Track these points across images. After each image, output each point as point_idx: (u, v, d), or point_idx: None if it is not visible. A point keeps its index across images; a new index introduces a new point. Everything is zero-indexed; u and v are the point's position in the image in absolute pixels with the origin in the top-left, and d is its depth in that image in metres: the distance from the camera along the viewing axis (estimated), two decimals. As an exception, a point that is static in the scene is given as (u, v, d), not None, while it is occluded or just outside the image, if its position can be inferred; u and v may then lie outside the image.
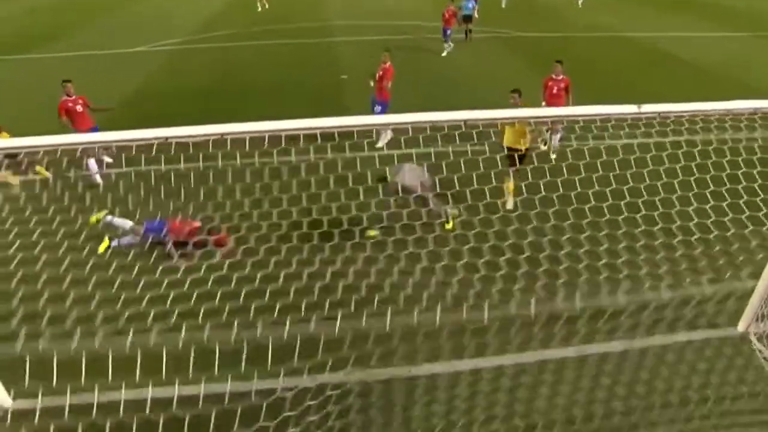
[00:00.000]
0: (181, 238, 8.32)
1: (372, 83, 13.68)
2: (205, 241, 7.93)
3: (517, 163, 9.08)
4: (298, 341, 4.84)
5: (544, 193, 5.68)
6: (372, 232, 8.25)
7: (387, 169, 8.91)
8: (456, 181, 5.27)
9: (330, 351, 5.10)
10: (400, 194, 8.52)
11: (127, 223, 9.07)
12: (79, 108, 11.62)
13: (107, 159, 11.80)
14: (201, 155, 4.49)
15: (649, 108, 4.51)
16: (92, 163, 11.33)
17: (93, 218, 8.93)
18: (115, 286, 4.66)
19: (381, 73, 13.59)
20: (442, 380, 5.74)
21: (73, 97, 11.72)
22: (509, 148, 10.09)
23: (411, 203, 8.19)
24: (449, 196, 8.45)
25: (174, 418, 4.85)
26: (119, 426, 4.99)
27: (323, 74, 18.73)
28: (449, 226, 9.40)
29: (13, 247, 4.92)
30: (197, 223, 8.54)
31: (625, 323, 6.35)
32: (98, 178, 11.33)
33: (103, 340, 4.55)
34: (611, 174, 5.95)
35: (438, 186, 8.10)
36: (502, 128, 10.11)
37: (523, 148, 10.16)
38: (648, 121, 4.75)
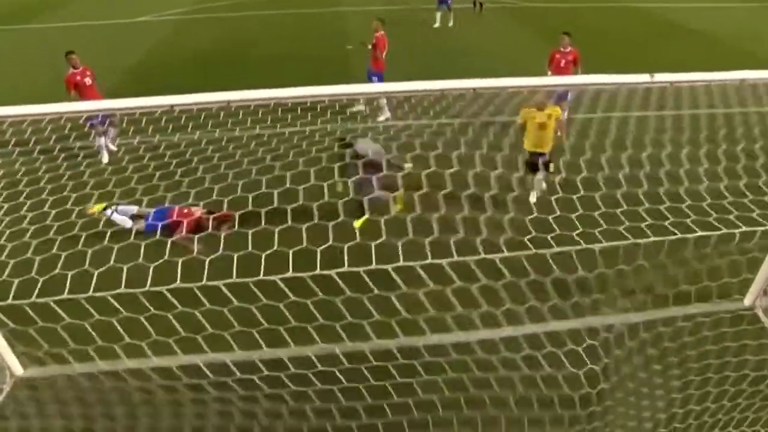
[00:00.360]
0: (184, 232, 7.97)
1: (369, 45, 13.32)
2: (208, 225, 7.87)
3: (541, 169, 8.66)
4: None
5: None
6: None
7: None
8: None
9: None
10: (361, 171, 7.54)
11: (131, 210, 8.93)
12: (87, 81, 11.20)
13: (112, 147, 11.48)
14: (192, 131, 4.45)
15: (661, 77, 4.41)
16: (102, 141, 11.13)
17: (94, 208, 8.20)
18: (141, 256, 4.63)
19: (374, 42, 13.24)
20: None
21: (80, 69, 11.28)
22: (531, 153, 9.03)
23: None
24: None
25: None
26: (125, 393, 5.06)
27: (328, 44, 18.51)
28: (398, 207, 8.31)
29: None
30: (199, 212, 8.37)
31: (631, 295, 6.35)
32: (105, 158, 11.10)
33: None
34: (620, 145, 5.93)
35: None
36: (524, 123, 9.05)
37: (547, 150, 9.02)
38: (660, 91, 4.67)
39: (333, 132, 7.20)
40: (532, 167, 8.95)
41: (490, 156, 5.36)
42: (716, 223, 4.98)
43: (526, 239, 4.93)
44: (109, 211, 8.36)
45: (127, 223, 8.36)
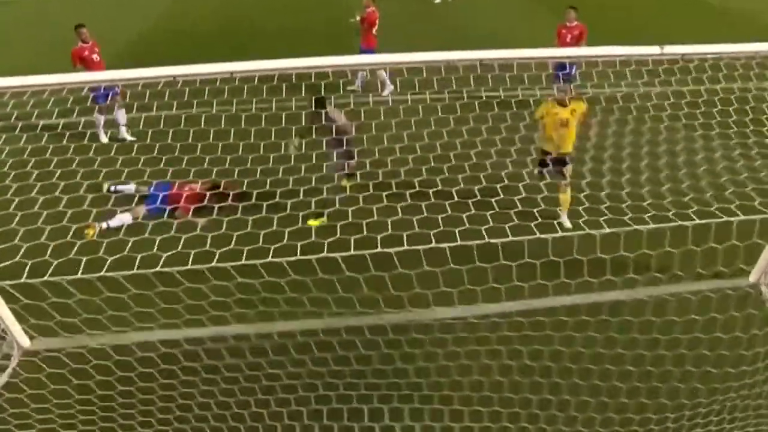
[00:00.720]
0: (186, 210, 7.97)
1: (357, 19, 13.15)
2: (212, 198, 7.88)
3: (566, 172, 7.74)
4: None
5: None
6: (315, 222, 7.54)
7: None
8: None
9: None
10: (334, 135, 7.36)
11: (129, 188, 8.96)
12: (95, 57, 10.88)
13: (128, 137, 11.12)
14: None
15: (671, 49, 4.33)
16: (102, 120, 10.93)
17: (90, 232, 8.07)
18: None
19: (364, 16, 13.03)
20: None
21: (89, 44, 10.95)
22: (550, 155, 7.94)
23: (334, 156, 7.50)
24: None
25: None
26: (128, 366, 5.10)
27: (332, 17, 18.25)
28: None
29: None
30: (201, 188, 8.34)
31: (634, 270, 6.32)
32: (104, 138, 11.02)
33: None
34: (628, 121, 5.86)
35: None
36: (541, 118, 8.00)
37: (568, 151, 7.93)
38: (669, 65, 4.59)
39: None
40: (541, 165, 7.71)
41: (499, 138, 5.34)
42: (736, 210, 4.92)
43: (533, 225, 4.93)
44: (104, 225, 8.24)
45: (127, 219, 8.30)
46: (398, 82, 5.13)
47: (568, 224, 8.09)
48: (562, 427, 5.07)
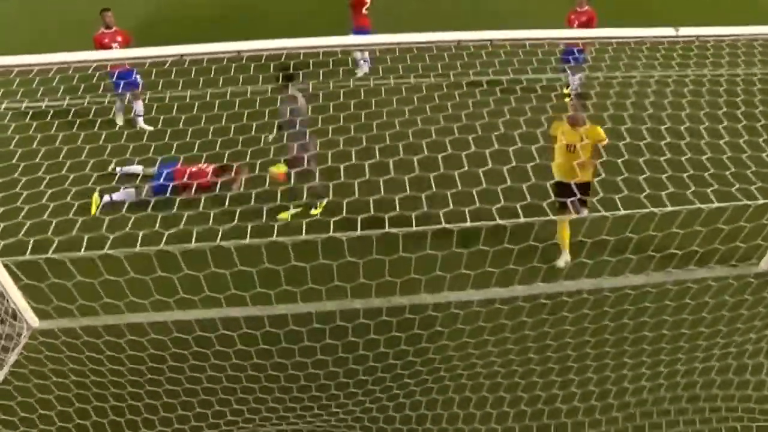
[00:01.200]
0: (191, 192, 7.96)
1: None
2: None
3: (577, 205, 6.51)
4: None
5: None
6: (285, 215, 7.64)
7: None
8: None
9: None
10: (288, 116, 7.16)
11: (137, 169, 8.94)
12: (115, 46, 10.03)
13: (145, 126, 10.67)
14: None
15: (687, 31, 4.24)
16: (118, 104, 10.59)
17: (93, 208, 8.08)
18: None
19: None
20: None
21: (112, 30, 10.32)
22: (561, 183, 6.51)
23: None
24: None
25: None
26: (138, 347, 5.12)
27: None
28: (317, 211, 8.10)
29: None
30: (208, 169, 8.34)
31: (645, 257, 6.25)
32: (121, 120, 10.74)
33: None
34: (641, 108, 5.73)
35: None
36: (553, 136, 6.78)
37: (582, 180, 6.46)
38: (685, 46, 4.50)
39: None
40: (560, 203, 6.12)
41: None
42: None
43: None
44: (106, 198, 8.24)
45: (131, 195, 8.30)
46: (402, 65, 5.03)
47: (564, 263, 7.06)
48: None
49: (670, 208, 4.15)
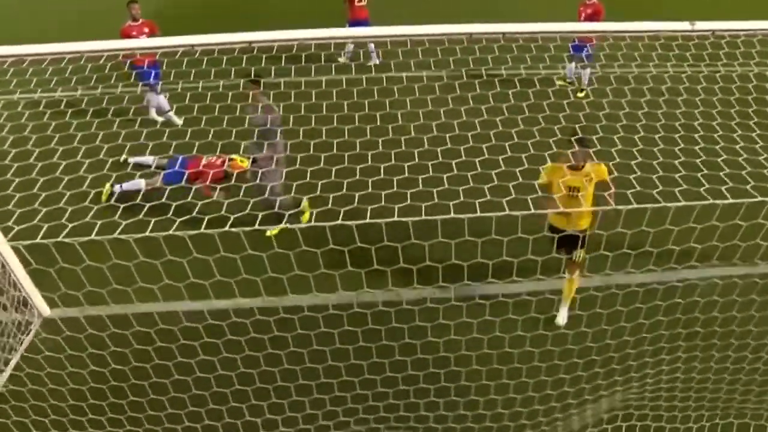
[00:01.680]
0: (205, 180, 8.01)
1: None
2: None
3: (576, 257, 6.11)
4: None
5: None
6: (274, 231, 7.58)
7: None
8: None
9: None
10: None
11: (148, 160, 9.01)
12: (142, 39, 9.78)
13: (176, 120, 10.61)
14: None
15: (702, 25, 4.18)
16: (154, 98, 10.59)
17: (103, 197, 8.13)
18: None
19: None
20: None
21: (139, 23, 10.14)
22: (555, 229, 6.04)
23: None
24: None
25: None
26: (147, 337, 5.14)
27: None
28: (305, 217, 8.01)
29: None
30: (219, 161, 8.36)
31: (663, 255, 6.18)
32: (155, 114, 10.74)
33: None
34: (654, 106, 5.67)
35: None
36: (549, 183, 5.99)
37: (581, 228, 6.10)
38: (700, 41, 4.43)
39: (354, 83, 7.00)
40: (558, 247, 5.89)
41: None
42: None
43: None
44: (117, 187, 8.28)
45: (141, 185, 8.30)
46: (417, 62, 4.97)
47: (562, 320, 6.52)
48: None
49: (683, 203, 4.10)
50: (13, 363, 5.96)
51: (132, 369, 5.13)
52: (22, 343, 6.18)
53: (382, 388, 5.13)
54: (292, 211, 6.80)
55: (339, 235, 4.28)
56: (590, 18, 11.50)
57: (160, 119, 10.66)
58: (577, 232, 5.95)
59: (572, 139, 5.70)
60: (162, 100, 10.76)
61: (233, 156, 7.51)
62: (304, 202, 7.96)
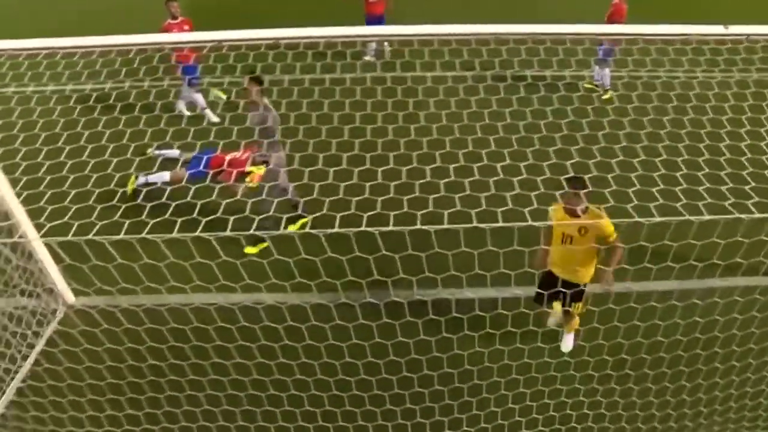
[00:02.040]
0: (229, 178, 7.97)
1: None
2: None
3: (573, 311, 5.62)
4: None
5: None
6: (252, 249, 7.36)
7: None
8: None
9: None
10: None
11: (173, 153, 9.09)
12: None
13: (213, 118, 10.46)
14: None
15: (736, 29, 4.10)
16: (191, 94, 10.52)
17: (129, 188, 8.18)
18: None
19: None
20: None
21: (179, 20, 10.12)
22: (549, 274, 5.59)
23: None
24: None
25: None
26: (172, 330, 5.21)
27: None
28: (295, 228, 7.61)
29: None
30: (244, 156, 8.40)
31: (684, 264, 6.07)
32: (213, 117, 10.51)
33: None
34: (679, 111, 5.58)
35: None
36: (550, 234, 5.48)
37: (577, 281, 5.41)
38: (733, 45, 4.35)
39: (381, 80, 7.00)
40: (548, 291, 5.38)
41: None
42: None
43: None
44: (141, 179, 8.34)
45: (165, 177, 8.38)
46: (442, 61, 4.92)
47: (567, 347, 6.02)
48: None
49: (707, 217, 4.02)
50: (38, 347, 6.09)
51: (151, 356, 5.20)
52: (46, 328, 6.31)
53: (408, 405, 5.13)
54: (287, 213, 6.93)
55: (361, 241, 4.30)
56: (610, 18, 11.37)
57: (187, 113, 10.71)
58: (574, 281, 5.37)
59: (564, 179, 5.05)
60: (199, 96, 10.85)
61: (251, 169, 7.42)
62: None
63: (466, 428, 5.05)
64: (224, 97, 9.83)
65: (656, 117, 5.46)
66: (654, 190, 4.43)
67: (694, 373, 5.28)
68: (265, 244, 7.31)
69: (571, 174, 5.10)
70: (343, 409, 4.97)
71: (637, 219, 4.07)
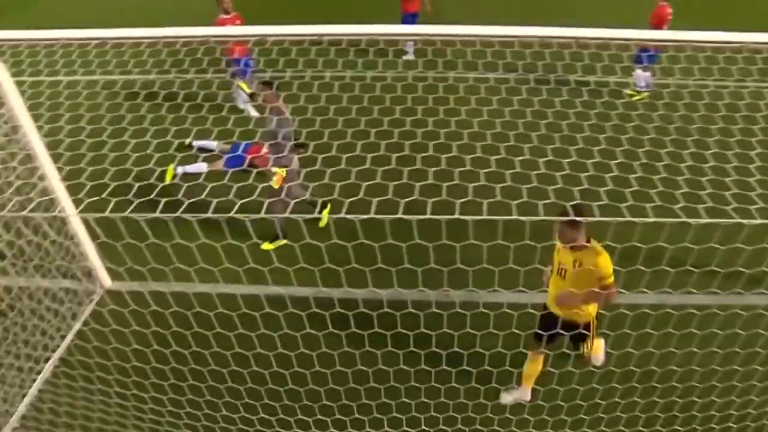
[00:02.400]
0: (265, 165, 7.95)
1: None
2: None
3: (584, 346, 5.23)
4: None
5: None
6: (269, 246, 7.40)
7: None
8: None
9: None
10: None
11: (212, 144, 9.22)
12: None
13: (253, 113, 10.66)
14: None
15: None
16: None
17: (167, 177, 8.38)
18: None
19: None
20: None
21: (231, 16, 10.26)
22: (553, 317, 5.00)
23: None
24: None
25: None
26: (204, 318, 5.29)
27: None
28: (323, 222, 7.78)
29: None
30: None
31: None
32: (251, 110, 10.72)
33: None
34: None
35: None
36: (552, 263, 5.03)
37: (575, 320, 4.89)
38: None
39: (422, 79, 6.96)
40: (543, 329, 5.00)
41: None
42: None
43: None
44: (179, 169, 8.54)
45: (203, 168, 8.57)
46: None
47: (511, 398, 5.51)
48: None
49: (733, 220, 3.91)
50: (75, 328, 6.27)
51: (176, 342, 5.28)
52: (83, 310, 6.49)
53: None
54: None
55: (396, 232, 4.30)
56: (652, 20, 11.14)
57: (256, 114, 10.57)
58: (574, 321, 4.89)
59: (568, 206, 4.48)
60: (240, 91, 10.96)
61: (276, 170, 7.49)
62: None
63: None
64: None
65: (704, 126, 5.32)
66: (703, 193, 4.32)
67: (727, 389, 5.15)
68: (282, 242, 7.42)
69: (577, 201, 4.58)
70: (379, 401, 4.98)
71: (657, 219, 3.98)
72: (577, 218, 4.42)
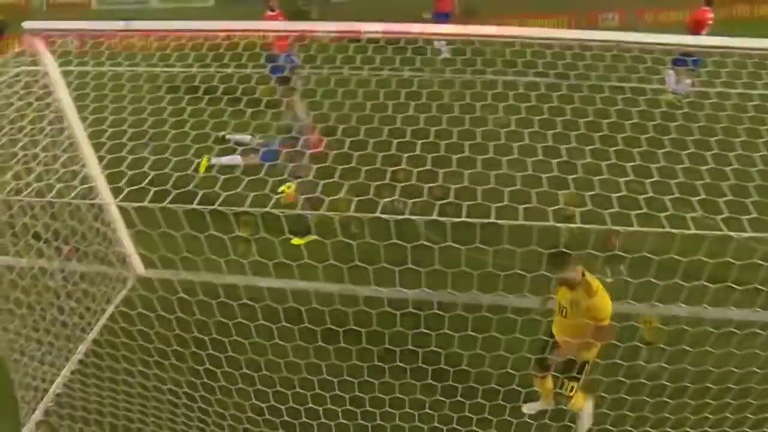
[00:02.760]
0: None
1: None
2: None
3: (566, 386, 4.96)
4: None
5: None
6: (299, 241, 7.46)
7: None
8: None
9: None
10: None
11: (245, 139, 9.31)
12: None
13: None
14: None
15: None
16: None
17: (202, 169, 8.38)
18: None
19: None
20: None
21: (275, 13, 10.64)
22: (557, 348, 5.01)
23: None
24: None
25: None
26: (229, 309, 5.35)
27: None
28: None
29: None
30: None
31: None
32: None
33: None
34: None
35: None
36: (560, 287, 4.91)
37: (575, 357, 4.83)
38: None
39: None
40: (544, 362, 5.07)
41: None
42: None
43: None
44: (213, 160, 8.61)
45: (237, 161, 8.61)
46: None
47: (582, 422, 5.25)
48: None
49: (748, 234, 3.78)
50: (108, 313, 6.41)
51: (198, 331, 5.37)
52: (116, 296, 6.64)
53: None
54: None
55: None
56: (691, 24, 10.90)
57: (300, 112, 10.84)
58: (568, 357, 4.86)
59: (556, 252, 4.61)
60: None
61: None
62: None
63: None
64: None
65: (750, 140, 5.12)
66: (749, 201, 4.17)
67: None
68: (312, 237, 7.42)
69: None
70: (392, 396, 4.98)
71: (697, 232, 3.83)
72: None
